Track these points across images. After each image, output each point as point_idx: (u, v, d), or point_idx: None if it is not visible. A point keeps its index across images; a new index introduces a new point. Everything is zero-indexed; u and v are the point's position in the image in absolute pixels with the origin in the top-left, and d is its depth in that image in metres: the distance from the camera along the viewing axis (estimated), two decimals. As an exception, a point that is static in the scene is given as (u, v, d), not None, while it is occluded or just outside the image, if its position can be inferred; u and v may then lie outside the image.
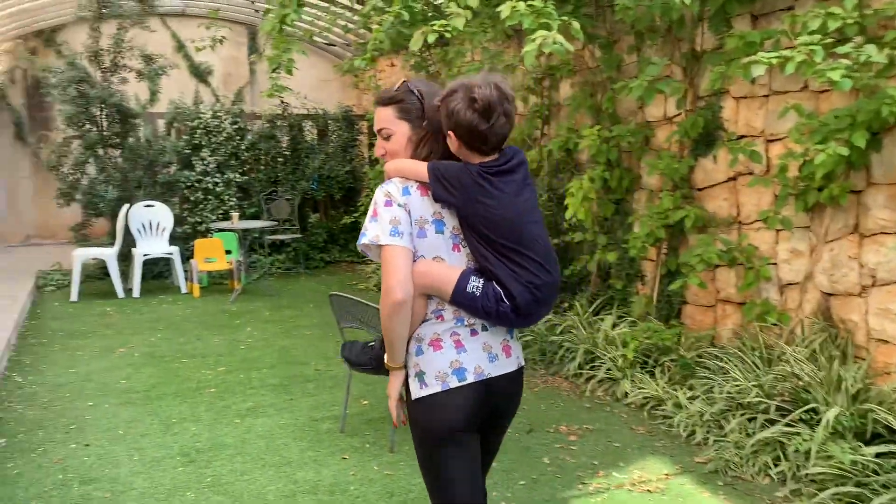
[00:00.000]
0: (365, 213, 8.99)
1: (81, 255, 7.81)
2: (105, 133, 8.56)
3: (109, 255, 7.85)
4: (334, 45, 11.83)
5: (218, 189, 9.15)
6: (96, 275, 8.56)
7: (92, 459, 3.91)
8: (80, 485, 3.63)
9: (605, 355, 4.93)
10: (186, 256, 8.48)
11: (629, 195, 5.60)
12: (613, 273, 5.69)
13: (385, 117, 2.14)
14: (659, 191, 5.17)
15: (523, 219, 2.06)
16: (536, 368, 5.35)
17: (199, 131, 9.15)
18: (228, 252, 8.67)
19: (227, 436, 4.21)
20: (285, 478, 3.70)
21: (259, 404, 4.72)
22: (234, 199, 9.26)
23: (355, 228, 9.49)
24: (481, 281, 2.06)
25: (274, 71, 6.36)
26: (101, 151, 8.64)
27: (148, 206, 8.37)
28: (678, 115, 5.04)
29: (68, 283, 7.97)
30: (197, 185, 9.09)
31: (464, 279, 2.05)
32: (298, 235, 9.16)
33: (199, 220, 9.11)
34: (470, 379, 2.06)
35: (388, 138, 2.14)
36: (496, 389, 2.11)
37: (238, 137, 9.34)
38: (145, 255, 8.02)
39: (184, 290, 8.12)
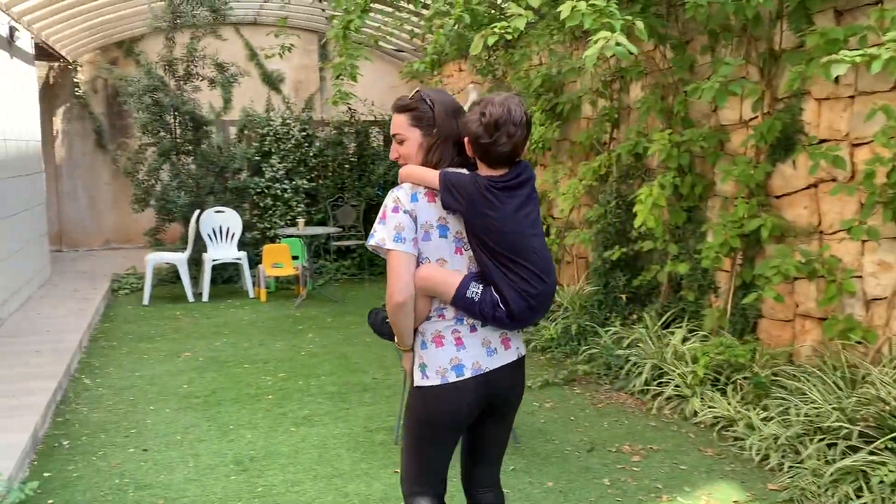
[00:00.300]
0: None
1: (154, 260, 8.01)
2: (178, 140, 8.77)
3: (180, 259, 8.02)
4: (403, 52, 11.85)
5: (286, 195, 9.26)
6: (168, 279, 8.77)
7: (148, 465, 3.93)
8: (136, 490, 3.65)
9: (673, 371, 4.69)
10: (255, 262, 8.59)
11: (702, 202, 5.33)
12: (685, 284, 5.42)
13: (399, 123, 2.28)
14: (734, 198, 4.89)
15: (523, 232, 2.19)
16: (601, 383, 5.15)
17: (268, 138, 9.28)
18: (295, 258, 8.75)
19: (281, 444, 4.18)
20: (335, 490, 3.63)
21: (315, 412, 4.68)
22: (302, 206, 9.35)
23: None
24: (480, 287, 2.19)
25: (338, 77, 6.37)
26: (174, 158, 8.86)
27: (218, 211, 8.52)
28: (755, 118, 4.76)
29: (142, 287, 8.18)
30: (266, 191, 9.22)
31: (464, 285, 2.19)
32: (362, 241, 9.16)
33: (268, 225, 9.24)
34: (467, 374, 2.22)
35: (401, 143, 2.29)
36: (494, 381, 2.26)
37: (306, 144, 9.44)
38: (214, 260, 8.16)
39: (251, 294, 8.22)
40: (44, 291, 8.01)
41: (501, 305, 2.17)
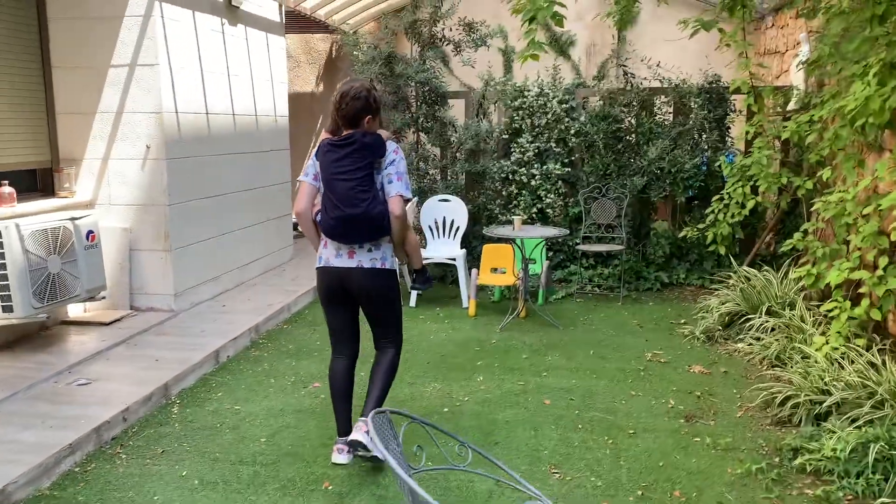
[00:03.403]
0: (710, 223, 6.46)
1: (361, 253, 6.97)
2: (416, 115, 7.60)
3: (389, 255, 6.85)
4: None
5: (534, 182, 7.54)
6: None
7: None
8: None
9: None
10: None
11: None
12: None
13: None
14: None
15: (333, 175, 3.48)
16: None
17: (520, 112, 7.63)
18: (531, 262, 7.02)
19: None
20: None
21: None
22: (552, 195, 7.55)
23: (701, 243, 7.02)
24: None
25: (531, 22, 4.48)
26: (412, 136, 7.73)
27: (443, 199, 7.18)
28: None
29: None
30: (511, 176, 7.62)
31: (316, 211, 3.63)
32: (619, 247, 7.02)
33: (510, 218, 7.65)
34: (321, 264, 3.64)
35: None
36: (345, 277, 3.58)
37: (568, 119, 7.57)
38: (425, 259, 6.82)
39: (465, 304, 6.74)
40: (270, 275, 7.51)
41: (320, 223, 3.58)
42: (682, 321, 6.20)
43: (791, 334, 5.07)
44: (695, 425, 4.12)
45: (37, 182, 5.85)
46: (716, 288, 6.45)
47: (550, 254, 7.71)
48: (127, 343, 5.28)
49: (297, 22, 9.27)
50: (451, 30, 7.67)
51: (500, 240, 6.71)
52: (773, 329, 5.34)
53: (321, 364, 5.16)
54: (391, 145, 3.59)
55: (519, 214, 7.30)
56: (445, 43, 7.62)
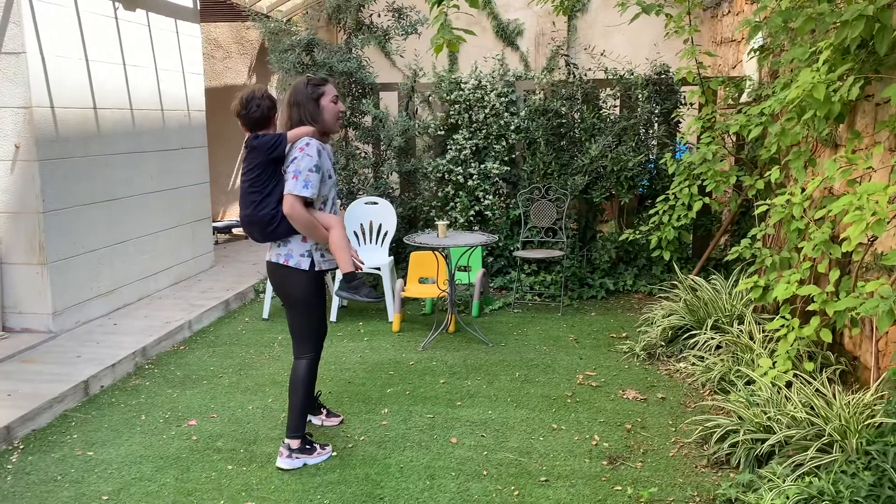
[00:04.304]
0: (653, 226, 5.90)
1: (276, 262, 6.32)
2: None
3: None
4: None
5: (471, 183, 6.93)
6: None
7: None
8: None
9: None
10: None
11: None
12: None
13: None
14: None
15: (241, 178, 3.52)
16: None
17: (456, 106, 7.02)
18: (466, 269, 6.42)
19: None
20: None
21: None
22: (491, 197, 6.94)
23: (644, 246, 6.46)
24: None
25: (438, 4, 3.86)
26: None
27: (370, 202, 6.55)
28: None
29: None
30: (448, 175, 7.01)
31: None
32: (559, 253, 6.43)
33: (448, 221, 7.05)
34: None
35: None
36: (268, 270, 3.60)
37: (507, 114, 6.97)
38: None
39: (391, 317, 6.12)
40: (181, 286, 6.83)
41: None
42: (624, 335, 5.64)
43: (738, 353, 4.52)
44: (618, 469, 3.54)
45: None
46: (665, 297, 5.89)
47: (491, 259, 7.12)
48: (-16, 373, 4.60)
49: (221, 9, 8.58)
50: (378, 16, 7.04)
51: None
52: (718, 347, 4.79)
53: (206, 395, 4.51)
54: (302, 141, 3.43)
55: (443, 220, 6.68)
56: (373, 31, 6.97)
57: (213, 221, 10.13)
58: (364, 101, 6.85)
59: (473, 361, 5.08)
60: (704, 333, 4.87)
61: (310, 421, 4.06)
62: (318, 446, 3.65)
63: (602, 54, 6.85)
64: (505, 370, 4.90)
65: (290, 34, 6.84)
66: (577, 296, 6.71)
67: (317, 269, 3.51)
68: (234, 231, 10.12)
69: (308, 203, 3.44)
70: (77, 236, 5.52)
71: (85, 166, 5.60)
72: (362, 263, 3.65)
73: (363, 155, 7.11)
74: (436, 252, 5.53)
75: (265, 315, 6.23)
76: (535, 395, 4.45)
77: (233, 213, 10.57)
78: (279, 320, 6.18)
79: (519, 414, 4.18)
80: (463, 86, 7.00)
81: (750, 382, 4.15)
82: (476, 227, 7.04)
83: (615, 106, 6.91)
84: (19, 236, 5.20)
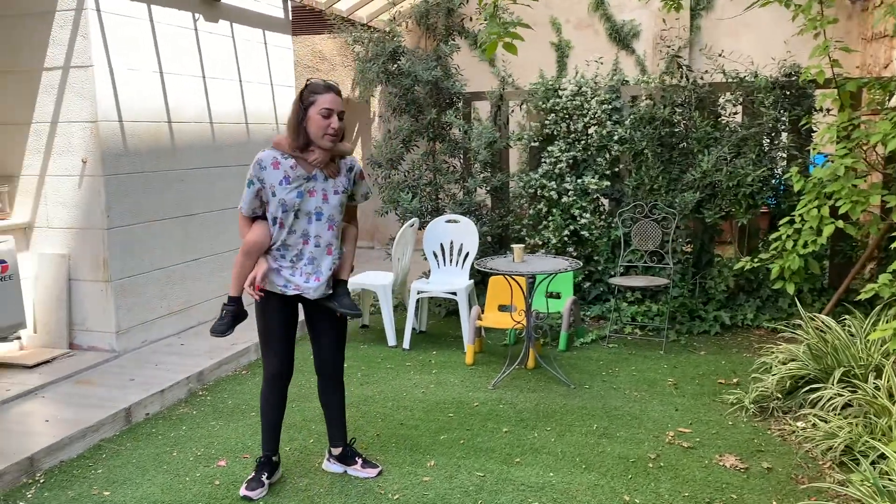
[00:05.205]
0: (775, 252, 5.02)
1: (350, 285, 5.92)
2: (429, 120, 6.50)
3: (381, 286, 5.78)
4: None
5: (566, 199, 6.27)
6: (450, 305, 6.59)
7: None
8: None
9: None
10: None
11: None
12: None
13: (342, 103, 3.15)
14: None
15: None
16: None
17: (552, 115, 6.40)
18: (555, 296, 5.79)
19: None
20: None
21: None
22: (587, 216, 6.25)
23: (764, 275, 5.54)
24: None
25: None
26: (424, 145, 6.66)
27: (451, 220, 6.04)
28: None
29: (371, 311, 6.24)
30: (540, 191, 6.39)
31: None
32: (663, 281, 5.63)
33: (540, 241, 6.43)
34: None
35: (342, 120, 3.13)
36: None
37: (610, 123, 6.26)
38: (420, 292, 5.71)
39: (468, 342, 5.56)
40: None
41: None
42: (734, 381, 4.80)
43: (871, 417, 3.63)
44: (697, 567, 2.81)
45: (-27, 202, 5.19)
46: (793, 335, 4.99)
47: (588, 284, 6.41)
48: (35, 394, 4.48)
49: (324, 21, 8.40)
50: (470, 20, 6.54)
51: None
52: (847, 405, 3.90)
53: (248, 431, 4.16)
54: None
55: (533, 238, 6.07)
56: (464, 35, 6.49)
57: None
58: (448, 111, 6.37)
59: (547, 406, 4.44)
60: (831, 388, 3.98)
61: (344, 472, 3.60)
62: (264, 480, 3.39)
63: (720, 55, 6.00)
64: (581, 420, 4.22)
65: (377, 42, 6.48)
66: (686, 330, 5.87)
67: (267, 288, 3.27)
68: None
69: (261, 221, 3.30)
70: (145, 253, 5.38)
71: (156, 181, 5.46)
72: (259, 295, 3.23)
73: (450, 169, 6.63)
74: (512, 277, 4.92)
75: (338, 339, 5.87)
76: (610, 455, 3.76)
77: (335, 227, 10.39)
78: (353, 344, 5.80)
79: (586, 479, 3.52)
80: (561, 92, 6.37)
81: (882, 458, 3.28)
82: (571, 249, 6.36)
83: (735, 113, 6.04)
84: (86, 252, 5.11)
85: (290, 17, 7.27)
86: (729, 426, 4.11)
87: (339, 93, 3.14)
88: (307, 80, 3.18)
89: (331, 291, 3.30)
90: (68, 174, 5.07)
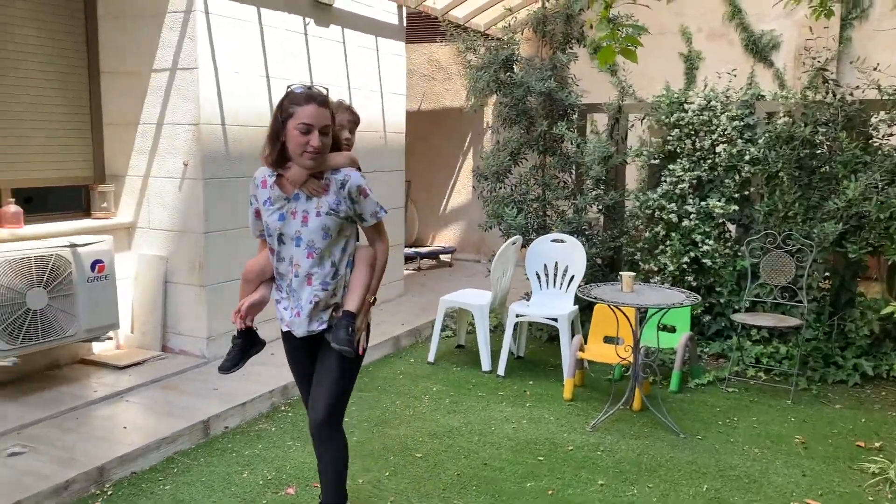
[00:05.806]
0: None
1: (446, 303, 5.63)
2: (540, 132, 6.12)
3: (478, 305, 5.44)
4: None
5: (687, 223, 5.71)
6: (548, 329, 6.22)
7: None
8: None
9: None
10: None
11: None
12: None
13: (327, 115, 2.63)
14: None
15: None
16: None
17: (676, 130, 5.86)
18: (670, 330, 5.26)
19: None
20: None
21: None
22: (712, 242, 5.66)
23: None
24: None
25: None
26: (534, 159, 6.28)
27: (557, 240, 5.62)
28: None
29: (473, 331, 5.98)
30: (658, 213, 5.86)
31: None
32: (794, 321, 4.97)
33: (655, 267, 5.90)
34: None
35: (328, 135, 2.64)
36: None
37: (742, 141, 5.67)
38: (519, 315, 5.33)
39: (567, 376, 5.12)
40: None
41: None
42: (877, 444, 4.12)
43: None
44: None
45: (82, 201, 5.27)
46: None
47: (708, 318, 5.82)
48: (121, 397, 4.44)
49: (440, 28, 8.19)
50: (590, 27, 6.11)
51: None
52: None
53: (322, 455, 3.92)
54: None
55: (648, 264, 5.55)
56: (583, 44, 6.08)
57: (418, 247, 9.82)
58: (560, 123, 5.95)
59: (651, 458, 3.94)
60: None
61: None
62: None
63: (875, 68, 5.28)
64: (690, 478, 3.71)
65: (490, 50, 6.17)
66: (819, 378, 5.18)
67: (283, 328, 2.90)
68: (442, 258, 9.71)
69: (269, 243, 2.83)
70: (241, 258, 5.28)
71: (256, 186, 5.37)
72: (246, 325, 2.85)
73: (560, 184, 6.22)
74: (619, 308, 4.45)
75: (430, 358, 5.59)
76: (722, 526, 3.25)
77: (442, 239, 10.17)
78: (445, 365, 5.50)
79: (691, 553, 3.03)
80: (687, 106, 5.83)
81: None
82: (690, 278, 5.79)
83: (890, 134, 5.29)
84: (182, 255, 5.07)
85: (405, 24, 7.09)
86: (868, 501, 3.48)
87: (324, 103, 2.60)
88: (287, 87, 2.67)
89: (323, 327, 2.78)
90: (170, 176, 5.05)
